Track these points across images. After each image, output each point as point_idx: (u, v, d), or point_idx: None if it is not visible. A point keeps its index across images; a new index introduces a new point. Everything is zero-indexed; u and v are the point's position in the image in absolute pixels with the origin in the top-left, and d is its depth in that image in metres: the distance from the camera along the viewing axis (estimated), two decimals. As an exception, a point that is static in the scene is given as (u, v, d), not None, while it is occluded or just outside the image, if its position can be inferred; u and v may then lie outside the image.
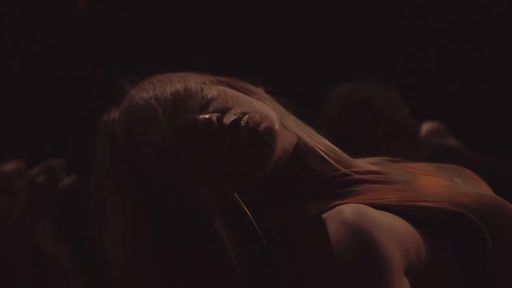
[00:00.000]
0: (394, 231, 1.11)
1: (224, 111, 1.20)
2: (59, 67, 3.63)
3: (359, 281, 1.06)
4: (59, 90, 3.63)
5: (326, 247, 1.09)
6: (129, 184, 1.22)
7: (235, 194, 1.17)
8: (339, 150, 1.29)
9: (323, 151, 1.26)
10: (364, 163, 1.32)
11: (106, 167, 1.24)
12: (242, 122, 1.18)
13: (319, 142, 1.27)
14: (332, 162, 1.25)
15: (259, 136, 1.17)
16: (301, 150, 1.24)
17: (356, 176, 1.25)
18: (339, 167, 1.25)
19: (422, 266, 1.12)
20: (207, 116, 1.18)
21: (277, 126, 1.19)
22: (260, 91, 1.30)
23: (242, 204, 1.16)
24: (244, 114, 1.19)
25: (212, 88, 1.24)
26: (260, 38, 3.56)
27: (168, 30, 3.57)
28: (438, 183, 1.28)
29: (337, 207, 1.13)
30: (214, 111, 1.20)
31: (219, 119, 1.19)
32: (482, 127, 3.60)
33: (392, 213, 1.15)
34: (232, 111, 1.20)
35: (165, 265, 1.18)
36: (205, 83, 1.25)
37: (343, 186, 1.22)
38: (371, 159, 1.37)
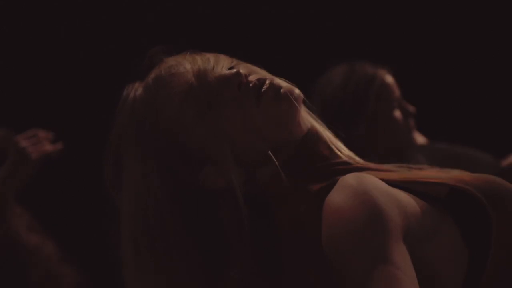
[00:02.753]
0: (394, 195, 1.14)
1: (250, 73, 1.27)
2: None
3: (357, 237, 1.08)
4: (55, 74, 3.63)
5: (324, 208, 1.13)
6: (152, 146, 1.25)
7: (269, 152, 1.22)
8: (345, 148, 1.33)
9: (332, 142, 1.29)
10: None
11: (128, 122, 1.28)
12: (267, 81, 1.24)
13: (330, 135, 1.31)
14: (339, 153, 1.29)
15: (283, 94, 1.23)
16: (313, 135, 1.27)
17: (359, 165, 1.28)
18: (344, 158, 1.29)
19: (423, 234, 1.14)
20: (235, 70, 1.25)
21: (298, 91, 1.25)
22: None
23: (275, 161, 1.21)
24: (270, 77, 1.26)
25: (240, 62, 1.30)
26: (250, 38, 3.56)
27: (167, 28, 3.57)
28: (440, 172, 1.32)
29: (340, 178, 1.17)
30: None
31: (246, 76, 1.25)
32: (481, 127, 3.62)
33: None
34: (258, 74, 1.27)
35: (177, 229, 1.22)
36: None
37: (347, 172, 1.24)
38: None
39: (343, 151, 1.30)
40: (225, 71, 1.26)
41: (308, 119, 1.29)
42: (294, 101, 1.23)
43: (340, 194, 1.12)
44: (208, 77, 1.25)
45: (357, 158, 1.32)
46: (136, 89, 1.30)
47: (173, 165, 1.24)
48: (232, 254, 1.21)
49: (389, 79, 2.48)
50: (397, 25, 3.70)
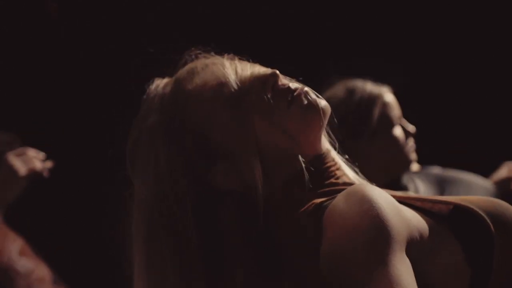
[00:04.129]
0: (399, 208, 1.15)
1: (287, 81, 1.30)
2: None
3: (360, 243, 1.08)
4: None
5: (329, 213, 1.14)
6: (180, 143, 1.25)
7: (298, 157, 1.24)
8: (355, 174, 1.35)
9: (344, 167, 1.31)
10: None
11: (156, 116, 1.27)
12: (300, 88, 1.27)
13: (342, 161, 1.33)
14: (349, 175, 1.30)
15: (314, 103, 1.26)
16: (328, 156, 1.29)
17: None
18: (354, 181, 1.31)
19: (426, 249, 1.15)
20: (271, 70, 1.28)
21: (326, 104, 1.27)
22: None
23: (302, 162, 1.23)
24: (302, 86, 1.29)
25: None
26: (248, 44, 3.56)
27: (168, 27, 3.57)
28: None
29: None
30: None
31: (281, 79, 1.28)
32: (479, 129, 3.62)
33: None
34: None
35: (189, 228, 1.22)
36: None
37: None
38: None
39: (353, 175, 1.32)
40: (262, 71, 1.29)
41: (326, 142, 1.32)
42: (322, 114, 1.25)
43: (345, 201, 1.13)
44: (244, 74, 1.28)
45: (366, 182, 1.33)
46: (165, 85, 1.31)
47: (196, 162, 1.25)
48: (234, 255, 1.22)
49: (390, 98, 2.48)
50: (397, 24, 3.70)
